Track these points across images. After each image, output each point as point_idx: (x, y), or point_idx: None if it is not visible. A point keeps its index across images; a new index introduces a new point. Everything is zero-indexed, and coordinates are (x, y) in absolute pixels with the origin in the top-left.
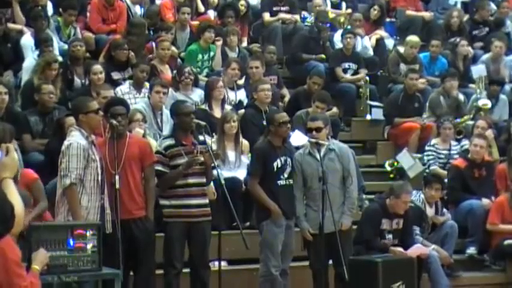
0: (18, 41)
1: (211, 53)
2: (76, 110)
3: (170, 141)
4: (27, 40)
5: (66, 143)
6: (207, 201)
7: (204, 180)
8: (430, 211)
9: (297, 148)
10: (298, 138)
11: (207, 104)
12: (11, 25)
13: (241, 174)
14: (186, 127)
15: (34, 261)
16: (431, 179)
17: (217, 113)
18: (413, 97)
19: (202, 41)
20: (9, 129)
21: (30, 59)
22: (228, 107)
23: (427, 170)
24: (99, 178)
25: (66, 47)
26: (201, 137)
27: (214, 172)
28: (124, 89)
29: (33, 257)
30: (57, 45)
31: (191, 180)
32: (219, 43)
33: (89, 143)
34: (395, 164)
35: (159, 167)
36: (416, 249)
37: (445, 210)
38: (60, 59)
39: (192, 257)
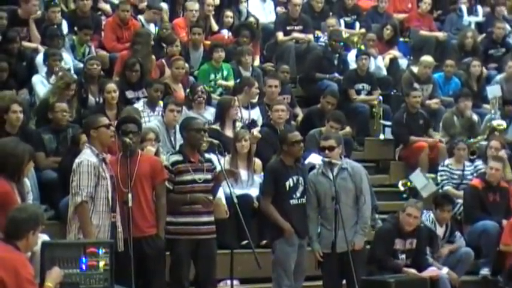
0: (33, 59)
1: (225, 72)
2: (87, 126)
3: (178, 157)
4: (42, 58)
5: (77, 160)
6: (213, 218)
7: (210, 197)
8: (440, 231)
9: (311, 169)
10: (314, 159)
11: (218, 123)
12: (26, 43)
13: (253, 192)
14: (195, 143)
15: (47, 278)
16: (442, 200)
17: (229, 132)
18: (417, 115)
19: (213, 61)
20: (29, 149)
21: (39, 76)
22: (238, 125)
23: (440, 191)
24: (110, 196)
25: (80, 65)
26: (207, 155)
27: (227, 190)
28: (138, 108)
29: (47, 275)
30: (72, 63)
31: None
32: None
33: (99, 161)
34: (409, 184)
35: None
36: (431, 272)
37: (458, 234)
38: (74, 77)
39: (198, 275)
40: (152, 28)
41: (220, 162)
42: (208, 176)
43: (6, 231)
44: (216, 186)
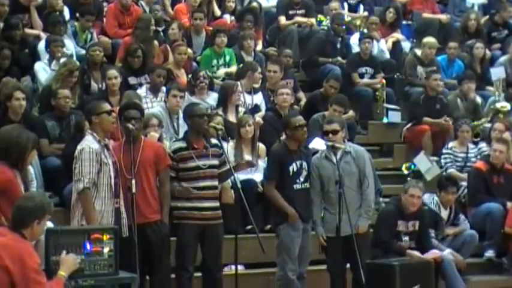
0: (35, 46)
1: (227, 58)
2: (89, 112)
3: (181, 144)
4: (44, 45)
5: (78, 147)
6: (218, 204)
7: (216, 183)
8: (444, 214)
9: (314, 153)
10: (317, 143)
11: (221, 108)
12: (28, 30)
13: (257, 177)
14: (200, 129)
15: (62, 266)
16: (446, 183)
17: (232, 117)
18: (435, 99)
19: (216, 46)
20: (33, 138)
21: (41, 63)
22: (241, 110)
23: (444, 173)
24: (112, 182)
25: (83, 52)
26: (213, 140)
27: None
28: (141, 93)
29: (62, 262)
30: (74, 50)
31: (203, 184)
32: None
33: (101, 147)
34: (412, 167)
35: None
36: (433, 254)
37: (462, 216)
38: (77, 63)
39: (205, 260)
40: None
41: (223, 147)
42: (215, 162)
43: (12, 219)
44: (228, 174)
